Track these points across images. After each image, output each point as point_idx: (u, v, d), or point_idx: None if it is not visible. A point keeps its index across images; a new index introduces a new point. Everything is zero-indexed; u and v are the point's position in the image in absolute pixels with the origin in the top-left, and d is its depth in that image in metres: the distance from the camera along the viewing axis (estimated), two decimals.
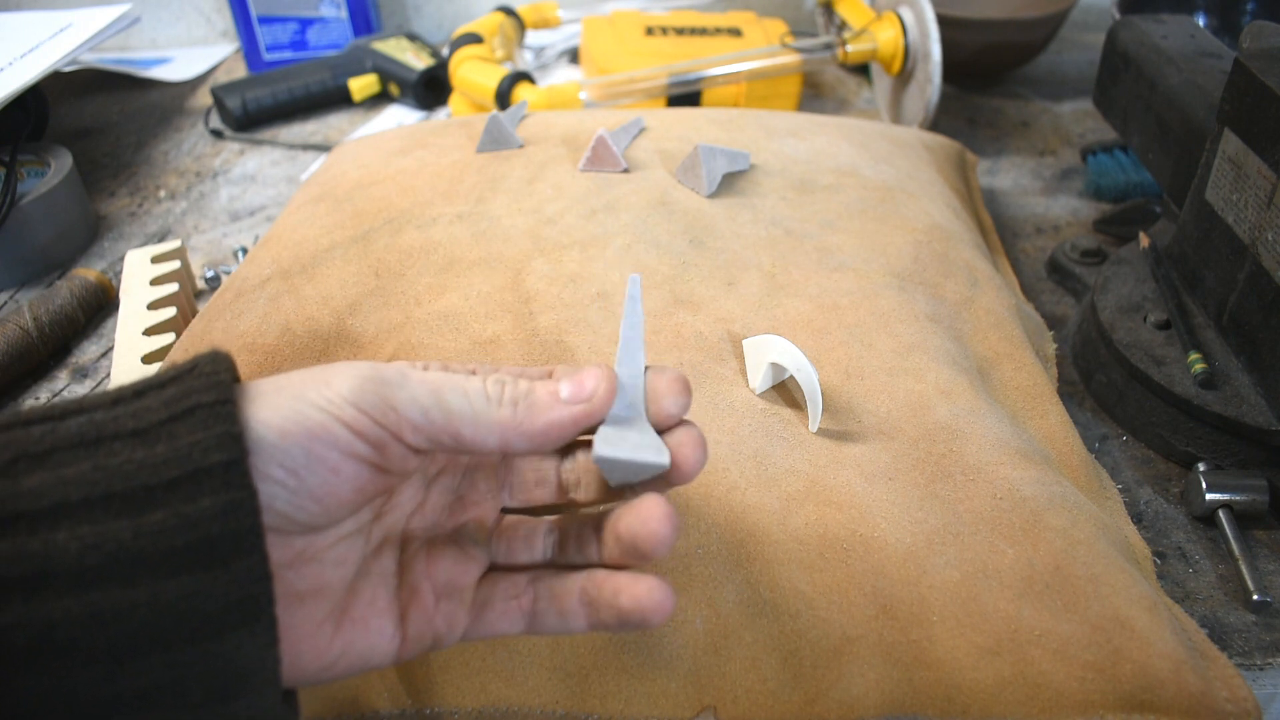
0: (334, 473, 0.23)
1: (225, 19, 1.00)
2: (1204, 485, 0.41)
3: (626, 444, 0.26)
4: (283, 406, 0.23)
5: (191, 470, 0.21)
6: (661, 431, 0.27)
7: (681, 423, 0.27)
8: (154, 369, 0.47)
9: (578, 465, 0.29)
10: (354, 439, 0.23)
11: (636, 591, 0.25)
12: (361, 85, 0.83)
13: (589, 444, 0.27)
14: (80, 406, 0.22)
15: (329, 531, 0.25)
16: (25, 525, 0.20)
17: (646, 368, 0.28)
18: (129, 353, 0.49)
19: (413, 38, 0.87)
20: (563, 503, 0.29)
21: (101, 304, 0.58)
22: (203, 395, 0.22)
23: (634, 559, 0.26)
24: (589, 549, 0.28)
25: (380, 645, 0.26)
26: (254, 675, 0.22)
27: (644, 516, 0.25)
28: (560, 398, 0.25)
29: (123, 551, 0.20)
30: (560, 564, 0.29)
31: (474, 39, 0.77)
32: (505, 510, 0.30)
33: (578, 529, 0.28)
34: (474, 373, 0.27)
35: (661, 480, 0.27)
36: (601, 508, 0.28)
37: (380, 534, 0.27)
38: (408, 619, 0.26)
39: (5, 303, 0.60)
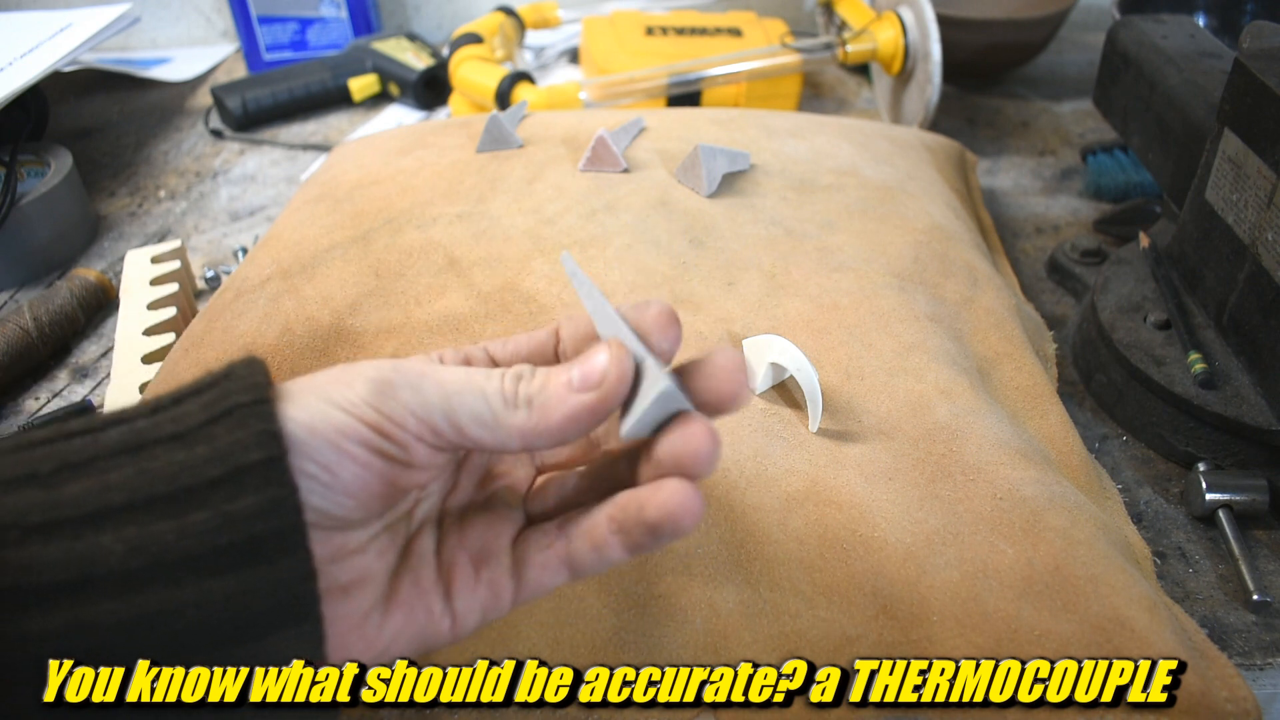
0: (365, 468, 0.23)
1: (225, 19, 1.00)
2: (1204, 485, 0.41)
3: (646, 411, 0.24)
4: (311, 406, 0.23)
5: (232, 468, 0.21)
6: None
7: (719, 351, 0.25)
8: (154, 369, 0.47)
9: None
10: (378, 439, 0.23)
11: (660, 499, 0.24)
12: (361, 85, 0.83)
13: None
14: (120, 417, 0.22)
15: (370, 525, 0.25)
16: (69, 530, 0.20)
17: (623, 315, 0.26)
18: (129, 353, 0.49)
19: (413, 38, 0.87)
20: (596, 455, 0.29)
21: (101, 304, 0.58)
22: (240, 396, 0.22)
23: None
24: (619, 475, 0.27)
25: (432, 624, 0.26)
26: None
27: (686, 435, 0.24)
28: (573, 387, 0.24)
29: (167, 553, 0.20)
30: (588, 499, 0.27)
31: (474, 39, 0.77)
32: (540, 470, 0.30)
33: (603, 462, 0.28)
34: (494, 360, 0.27)
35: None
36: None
37: (419, 519, 0.27)
38: (452, 594, 0.26)
39: (5, 303, 0.60)
